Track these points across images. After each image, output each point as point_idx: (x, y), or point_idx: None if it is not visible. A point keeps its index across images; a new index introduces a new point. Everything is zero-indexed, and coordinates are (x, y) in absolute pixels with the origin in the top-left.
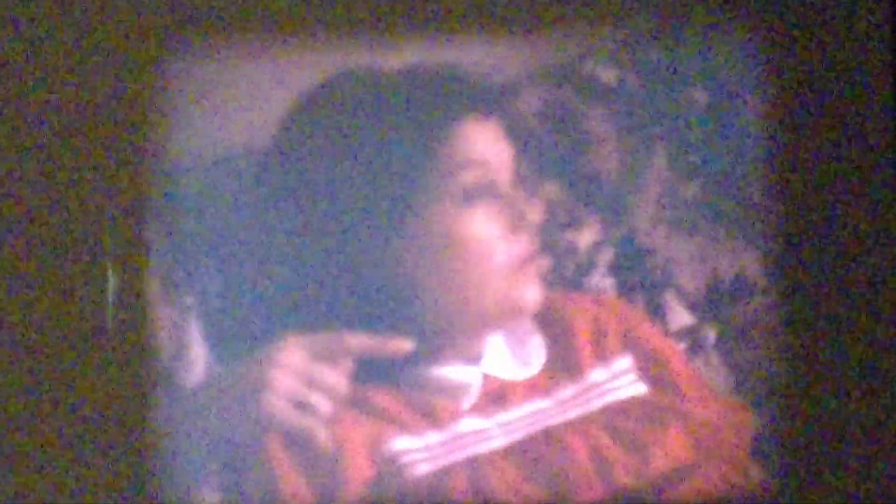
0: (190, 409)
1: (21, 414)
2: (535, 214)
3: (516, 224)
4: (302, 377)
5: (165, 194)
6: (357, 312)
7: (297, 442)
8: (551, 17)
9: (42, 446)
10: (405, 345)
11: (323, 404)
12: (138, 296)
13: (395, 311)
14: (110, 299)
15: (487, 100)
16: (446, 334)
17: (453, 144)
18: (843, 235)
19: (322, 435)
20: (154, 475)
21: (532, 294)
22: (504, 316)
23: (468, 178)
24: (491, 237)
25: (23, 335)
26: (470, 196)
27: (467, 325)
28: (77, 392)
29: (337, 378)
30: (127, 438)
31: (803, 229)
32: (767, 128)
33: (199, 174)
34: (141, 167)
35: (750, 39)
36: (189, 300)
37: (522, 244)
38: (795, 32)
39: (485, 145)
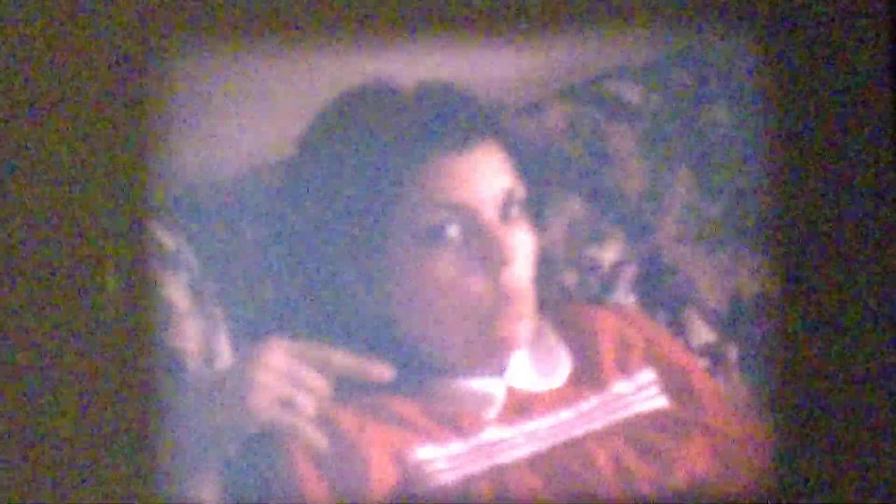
0: (187, 408)
1: (31, 414)
2: (526, 246)
3: (498, 260)
4: (287, 378)
5: (184, 207)
6: (384, 324)
7: (321, 451)
8: (575, 36)
9: (48, 444)
10: (385, 372)
11: (307, 405)
12: (160, 305)
13: (422, 323)
14: (116, 301)
15: (495, 124)
16: (472, 345)
17: (428, 184)
18: (863, 253)
19: (308, 434)
20: (153, 475)
21: (522, 328)
22: (487, 352)
23: (435, 219)
24: (463, 275)
25: (36, 344)
26: (438, 236)
27: (496, 338)
28: (85, 390)
29: (322, 382)
30: (132, 438)
31: (824, 247)
32: (788, 146)
33: (217, 186)
34: (156, 179)
35: (771, 58)
36: (217, 310)
37: (509, 279)
38: (816, 51)
39: (467, 183)
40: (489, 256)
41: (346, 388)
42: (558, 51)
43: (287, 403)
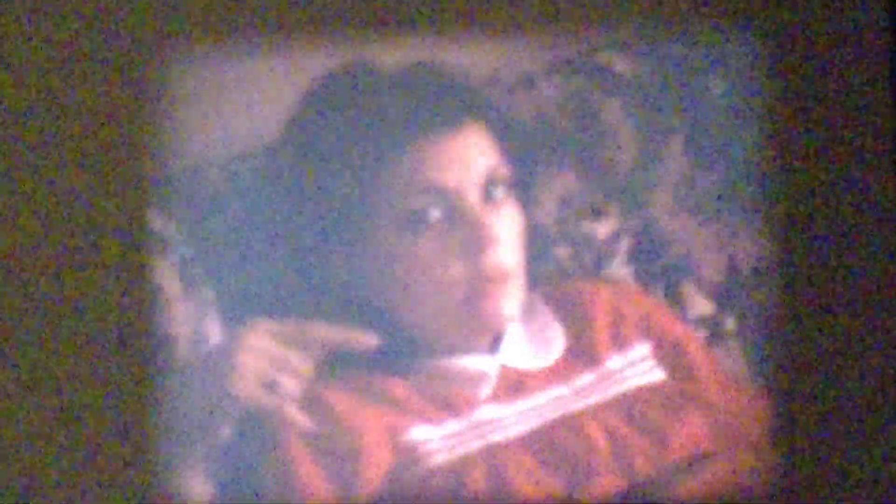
0: (177, 393)
1: (25, 407)
2: (513, 227)
3: (480, 243)
4: (269, 359)
5: (175, 192)
6: (377, 304)
7: (314, 433)
8: (567, 9)
9: (43, 439)
10: (370, 339)
11: (291, 385)
12: (152, 290)
13: (414, 302)
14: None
15: (479, 105)
16: (465, 323)
17: (411, 167)
18: (859, 223)
19: (291, 414)
20: (145, 459)
21: (508, 308)
22: (473, 332)
23: (418, 203)
24: (445, 257)
25: (30, 332)
26: (420, 219)
27: (488, 314)
28: (82, 385)
29: (305, 361)
30: (123, 423)
31: (819, 217)
32: (783, 116)
33: (207, 172)
34: (150, 165)
35: (764, 28)
36: (208, 294)
37: (492, 260)
38: (808, 21)
39: (450, 166)
40: (471, 239)
41: (339, 369)
42: (549, 25)
43: (270, 385)
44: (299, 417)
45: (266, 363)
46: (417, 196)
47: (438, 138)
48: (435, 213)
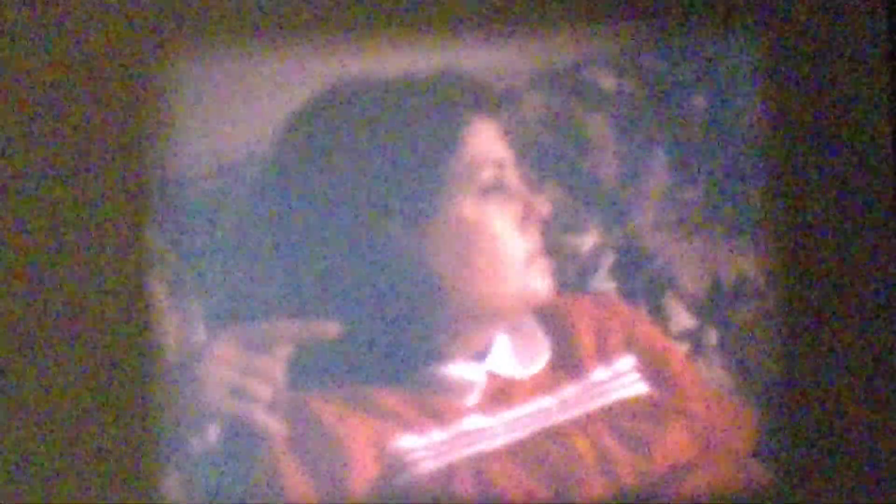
0: (164, 402)
1: (15, 414)
2: (544, 209)
3: (526, 219)
4: (237, 366)
5: (169, 202)
6: (366, 313)
7: (300, 441)
8: (550, 24)
9: (42, 448)
10: (332, 328)
11: (261, 390)
12: (143, 301)
13: (403, 311)
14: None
15: (490, 102)
16: (453, 332)
17: (468, 143)
18: (842, 237)
19: (262, 420)
20: (133, 467)
21: (542, 288)
22: (516, 309)
23: (485, 175)
24: (504, 231)
25: (21, 341)
26: (486, 192)
27: (478, 321)
28: (78, 391)
29: (273, 364)
30: (112, 432)
31: (803, 231)
32: (766, 131)
33: (204, 182)
34: (144, 174)
35: (748, 43)
36: (196, 306)
37: (532, 239)
38: (794, 37)
39: (495, 144)
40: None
41: (327, 378)
42: (533, 39)
43: (239, 392)
44: (271, 422)
45: (233, 370)
46: (477, 170)
47: (470, 130)
48: (490, 187)
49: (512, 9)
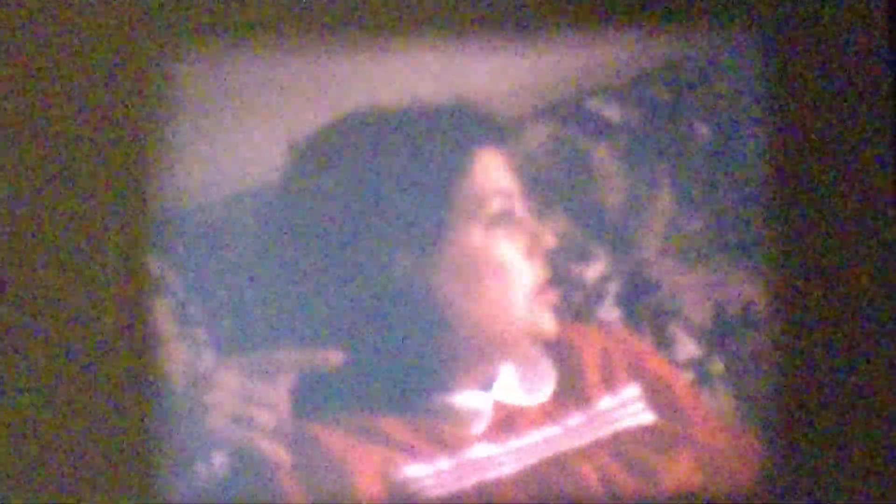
0: (170, 431)
1: (21, 440)
2: (550, 239)
3: (532, 248)
4: (240, 395)
5: (175, 229)
6: (373, 341)
7: (307, 469)
8: (555, 55)
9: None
10: (335, 356)
11: (264, 418)
12: (149, 329)
13: (410, 340)
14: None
15: (497, 132)
16: (460, 360)
17: (476, 173)
18: (847, 266)
19: (267, 448)
20: (140, 494)
21: (548, 321)
22: (522, 338)
23: (492, 205)
24: (511, 261)
25: (34, 370)
26: (493, 222)
27: (484, 350)
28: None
29: (276, 392)
30: (119, 460)
31: (808, 260)
32: (770, 160)
33: (210, 210)
34: (149, 202)
35: (751, 72)
36: (202, 334)
37: (538, 268)
38: (798, 66)
39: (502, 174)
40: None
41: (334, 406)
42: (538, 70)
43: (243, 420)
44: (276, 450)
45: (237, 399)
46: (486, 200)
47: (478, 160)
48: (498, 218)
49: (516, 39)
